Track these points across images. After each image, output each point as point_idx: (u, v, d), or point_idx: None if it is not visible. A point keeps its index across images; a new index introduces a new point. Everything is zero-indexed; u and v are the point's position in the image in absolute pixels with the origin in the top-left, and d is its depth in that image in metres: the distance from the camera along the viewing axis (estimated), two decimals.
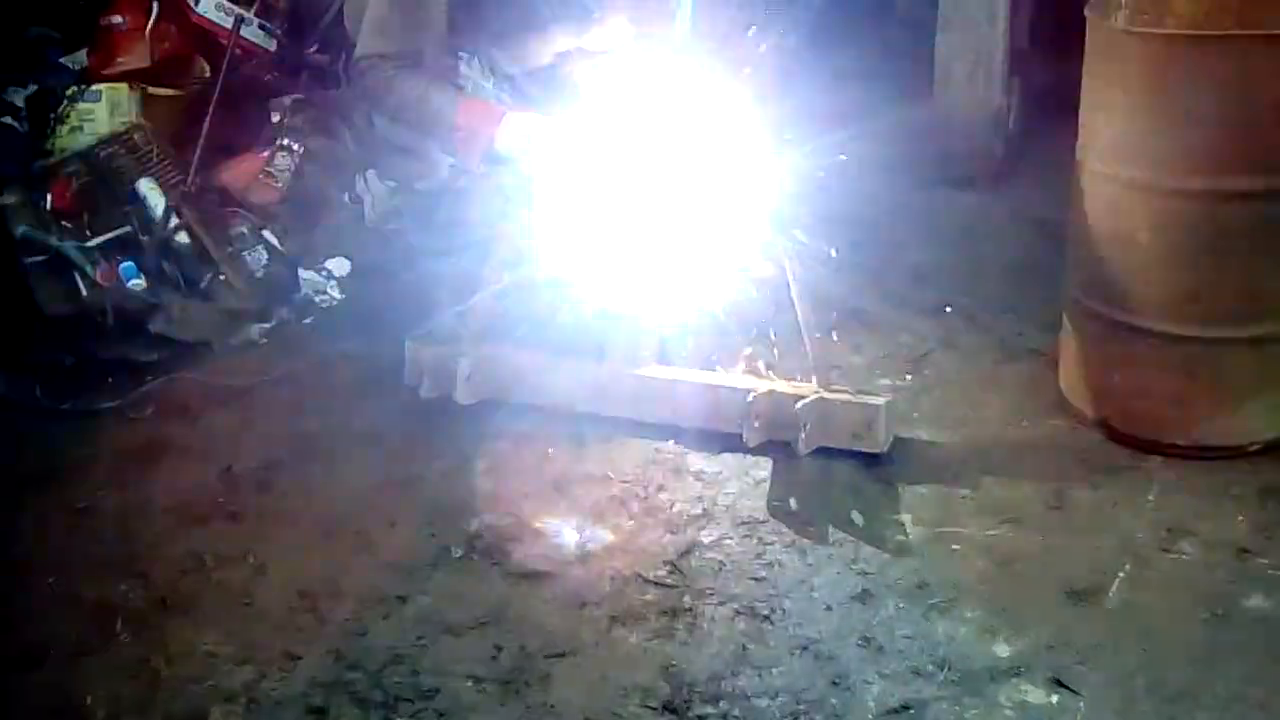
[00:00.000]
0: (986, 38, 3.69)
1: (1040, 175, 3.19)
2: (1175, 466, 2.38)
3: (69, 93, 3.42)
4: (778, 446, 2.52)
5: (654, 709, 1.92)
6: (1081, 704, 1.88)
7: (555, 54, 2.84)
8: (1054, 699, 1.90)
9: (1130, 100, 2.35)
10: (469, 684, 2.00)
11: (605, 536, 2.34)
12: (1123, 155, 2.38)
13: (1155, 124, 2.32)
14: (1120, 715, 1.87)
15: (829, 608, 2.11)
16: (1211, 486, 2.32)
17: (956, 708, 1.89)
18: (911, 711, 1.89)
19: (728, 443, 2.56)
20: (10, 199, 3.15)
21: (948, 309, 3.06)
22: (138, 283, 3.17)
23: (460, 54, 2.88)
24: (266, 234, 3.44)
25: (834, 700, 1.92)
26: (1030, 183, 3.57)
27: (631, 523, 2.38)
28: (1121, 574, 2.13)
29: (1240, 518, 2.24)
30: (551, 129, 2.62)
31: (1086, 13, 2.41)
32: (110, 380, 2.98)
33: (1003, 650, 1.99)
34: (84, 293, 3.09)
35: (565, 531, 2.37)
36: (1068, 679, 1.92)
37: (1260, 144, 2.26)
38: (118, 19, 3.54)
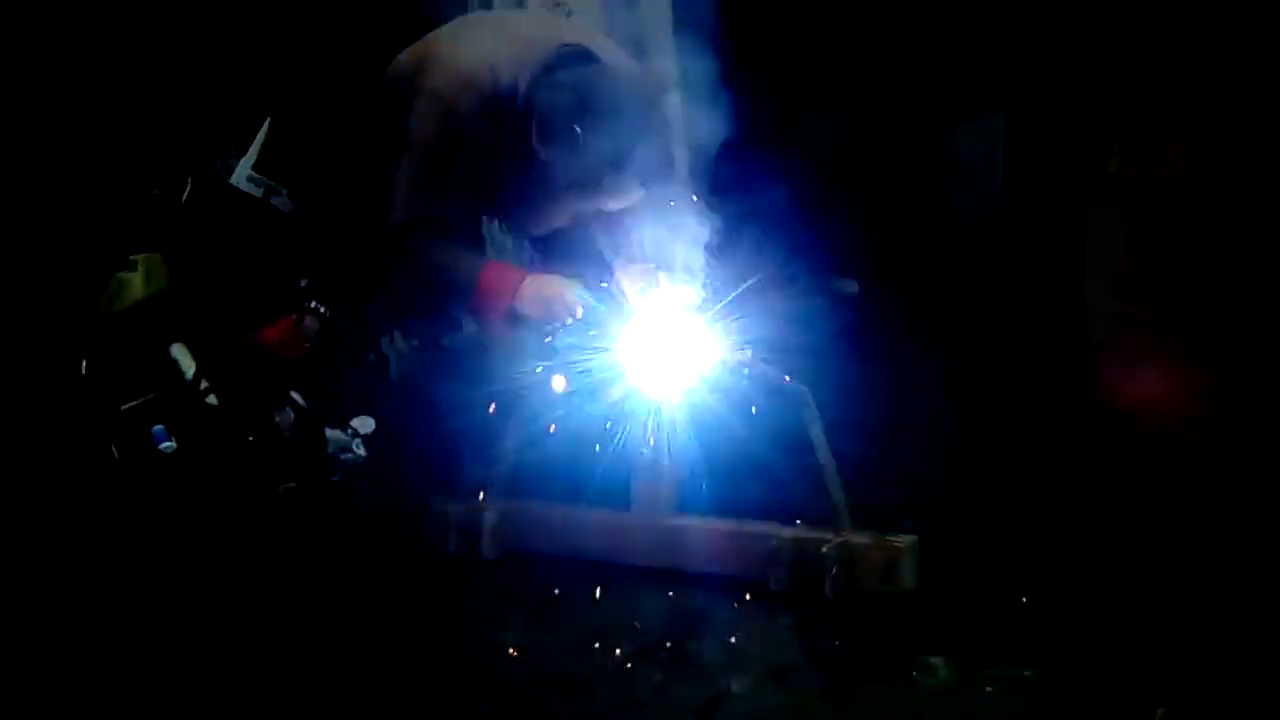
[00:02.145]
0: None
1: None
2: None
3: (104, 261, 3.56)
4: (805, 590, 2.53)
5: None
6: None
7: (572, 215, 2.97)
8: None
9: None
10: None
11: None
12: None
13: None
14: None
15: None
16: None
17: None
18: None
19: (754, 589, 2.56)
20: None
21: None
22: (169, 445, 3.23)
23: (483, 217, 3.02)
24: (293, 394, 3.51)
25: None
26: None
27: (661, 674, 2.36)
28: None
29: None
30: (569, 289, 2.73)
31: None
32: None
33: None
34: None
35: None
36: None
37: None
38: (155, 191, 3.70)
